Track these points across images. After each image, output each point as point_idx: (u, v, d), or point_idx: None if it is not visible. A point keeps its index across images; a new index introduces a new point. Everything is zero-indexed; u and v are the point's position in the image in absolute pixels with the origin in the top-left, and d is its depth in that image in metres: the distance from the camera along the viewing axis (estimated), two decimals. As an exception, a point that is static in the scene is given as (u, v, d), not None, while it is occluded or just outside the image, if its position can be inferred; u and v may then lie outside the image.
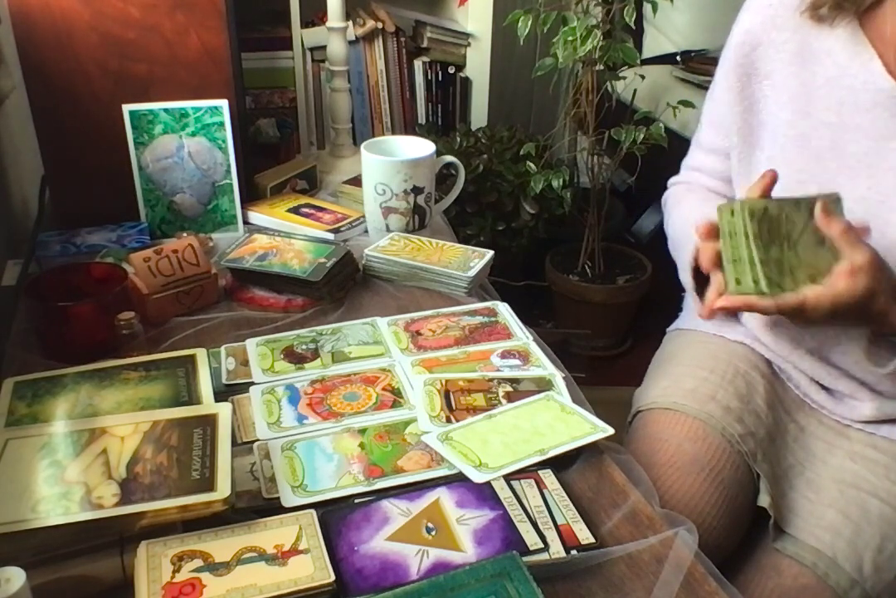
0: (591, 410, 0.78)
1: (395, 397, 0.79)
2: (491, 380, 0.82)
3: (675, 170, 1.09)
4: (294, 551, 0.59)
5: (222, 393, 0.79)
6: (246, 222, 1.16)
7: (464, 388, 0.80)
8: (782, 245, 0.74)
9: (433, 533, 0.62)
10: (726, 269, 0.76)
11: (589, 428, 0.75)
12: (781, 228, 0.74)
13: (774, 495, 0.81)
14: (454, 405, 0.78)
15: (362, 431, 0.74)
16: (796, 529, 0.79)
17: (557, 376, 0.83)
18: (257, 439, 0.73)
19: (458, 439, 0.73)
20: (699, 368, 0.96)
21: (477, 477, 0.69)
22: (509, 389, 0.80)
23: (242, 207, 1.14)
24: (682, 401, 0.90)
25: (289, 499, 0.66)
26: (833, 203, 0.77)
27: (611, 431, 0.75)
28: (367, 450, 0.72)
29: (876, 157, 0.83)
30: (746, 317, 0.98)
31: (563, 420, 0.76)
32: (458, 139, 1.83)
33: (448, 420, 0.76)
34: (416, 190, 1.11)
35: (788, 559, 0.77)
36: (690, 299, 1.12)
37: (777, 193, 0.88)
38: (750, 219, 0.73)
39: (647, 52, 2.25)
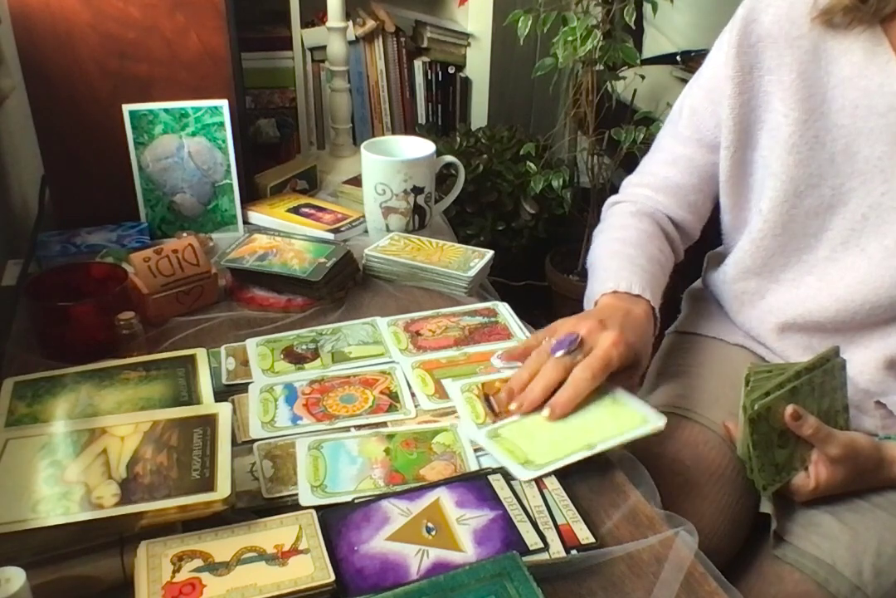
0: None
1: (392, 401, 0.79)
2: None
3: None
4: (294, 551, 0.59)
5: (222, 393, 0.79)
6: (246, 222, 1.16)
7: (500, 389, 0.78)
8: (782, 441, 0.78)
9: (433, 533, 0.62)
10: (743, 431, 0.78)
11: (639, 420, 0.72)
12: (779, 422, 0.77)
13: (776, 502, 0.81)
14: (498, 408, 0.76)
15: (390, 436, 0.73)
16: (795, 536, 0.79)
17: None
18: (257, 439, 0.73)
19: (506, 435, 0.72)
20: (699, 372, 0.96)
21: (523, 475, 0.68)
22: None
23: (242, 207, 1.14)
24: (683, 405, 0.90)
25: (306, 498, 0.66)
26: (826, 371, 0.81)
27: (662, 424, 0.72)
28: (392, 456, 0.71)
29: (890, 162, 0.82)
30: (751, 323, 0.97)
31: (612, 413, 0.74)
32: (458, 139, 1.83)
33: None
34: (416, 190, 1.11)
35: (789, 566, 0.77)
36: (687, 301, 1.12)
37: (788, 197, 0.87)
38: (750, 424, 0.76)
39: (647, 52, 2.25)
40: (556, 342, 0.77)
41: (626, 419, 0.73)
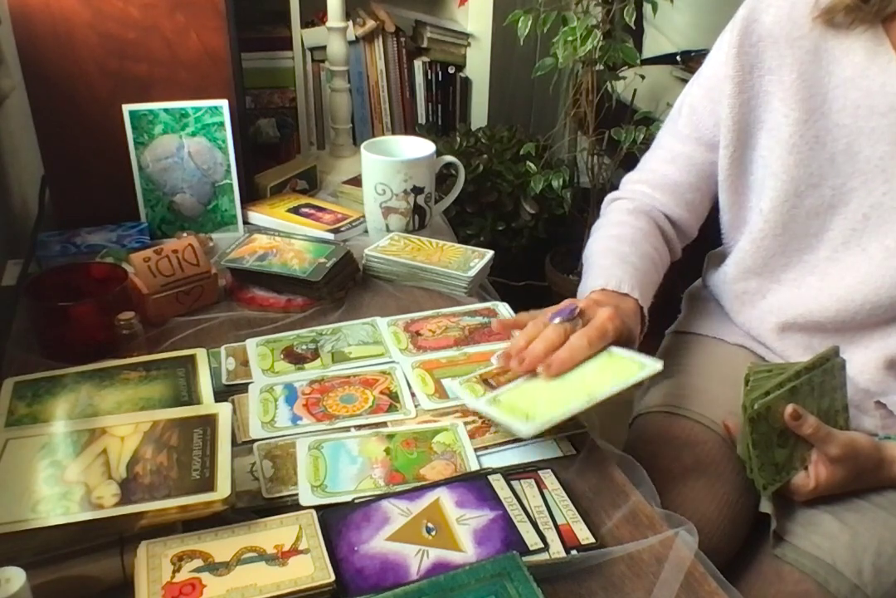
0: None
1: (392, 401, 0.79)
2: None
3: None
4: (294, 551, 0.59)
5: (222, 393, 0.79)
6: (246, 222, 1.16)
7: (498, 373, 0.79)
8: (782, 441, 0.78)
9: (433, 533, 0.62)
10: (743, 431, 0.78)
11: (636, 367, 0.72)
12: (779, 422, 0.77)
13: (775, 502, 0.81)
14: (496, 385, 0.77)
15: (390, 436, 0.74)
16: (795, 536, 0.79)
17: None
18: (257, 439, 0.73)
19: (506, 400, 0.72)
20: (699, 371, 0.96)
21: (525, 430, 0.67)
22: None
23: (242, 207, 1.14)
24: (683, 405, 0.90)
25: (306, 498, 0.66)
26: (826, 371, 0.81)
27: (659, 366, 0.72)
28: (392, 456, 0.71)
29: (892, 162, 0.82)
30: (751, 323, 0.97)
31: (609, 366, 0.74)
32: (458, 139, 1.83)
33: None
34: (416, 190, 1.11)
35: (789, 565, 0.77)
36: (687, 301, 1.12)
37: (789, 197, 0.87)
38: (749, 424, 0.75)
39: (647, 52, 2.25)
40: (554, 312, 0.77)
41: (624, 369, 0.73)
